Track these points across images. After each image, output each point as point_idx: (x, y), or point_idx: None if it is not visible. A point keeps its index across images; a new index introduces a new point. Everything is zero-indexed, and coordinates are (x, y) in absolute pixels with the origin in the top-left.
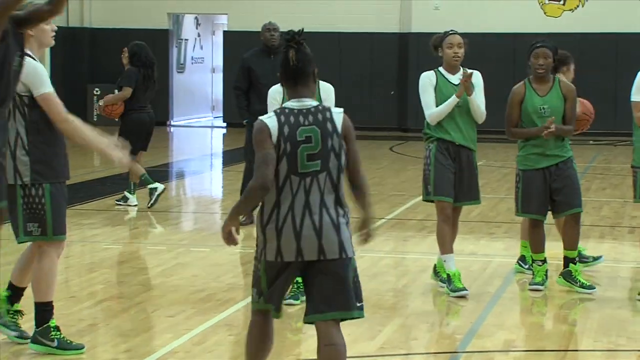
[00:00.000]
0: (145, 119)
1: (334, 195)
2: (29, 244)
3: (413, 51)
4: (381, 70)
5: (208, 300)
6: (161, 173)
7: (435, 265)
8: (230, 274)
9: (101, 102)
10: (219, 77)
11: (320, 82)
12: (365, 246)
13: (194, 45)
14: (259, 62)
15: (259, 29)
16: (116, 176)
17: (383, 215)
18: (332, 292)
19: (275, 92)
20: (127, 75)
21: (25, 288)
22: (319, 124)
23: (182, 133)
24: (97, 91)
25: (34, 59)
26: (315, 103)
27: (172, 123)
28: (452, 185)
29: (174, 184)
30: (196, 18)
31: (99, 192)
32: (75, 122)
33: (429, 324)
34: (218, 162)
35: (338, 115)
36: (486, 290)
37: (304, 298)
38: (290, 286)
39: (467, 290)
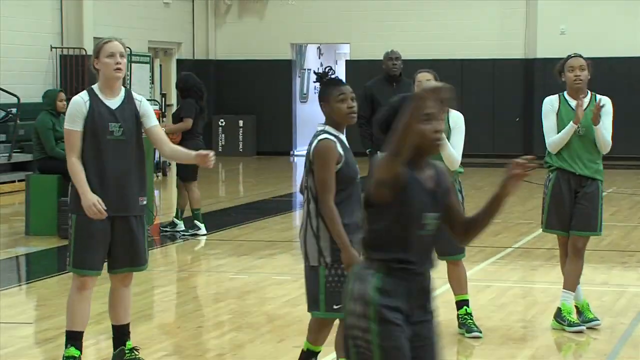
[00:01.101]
0: (201, 147)
1: None
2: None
3: (539, 77)
4: (505, 96)
5: (335, 330)
6: (285, 203)
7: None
8: None
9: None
10: None
11: (450, 111)
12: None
13: None
14: (381, 90)
15: (381, 58)
16: (242, 206)
17: (509, 244)
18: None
19: None
20: (187, 107)
21: (127, 324)
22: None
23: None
24: (222, 122)
25: (93, 95)
26: None
27: (296, 153)
28: (567, 217)
29: (297, 214)
30: (319, 48)
31: (224, 222)
32: (74, 165)
33: (560, 356)
34: None
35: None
36: (619, 322)
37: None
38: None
39: (598, 320)
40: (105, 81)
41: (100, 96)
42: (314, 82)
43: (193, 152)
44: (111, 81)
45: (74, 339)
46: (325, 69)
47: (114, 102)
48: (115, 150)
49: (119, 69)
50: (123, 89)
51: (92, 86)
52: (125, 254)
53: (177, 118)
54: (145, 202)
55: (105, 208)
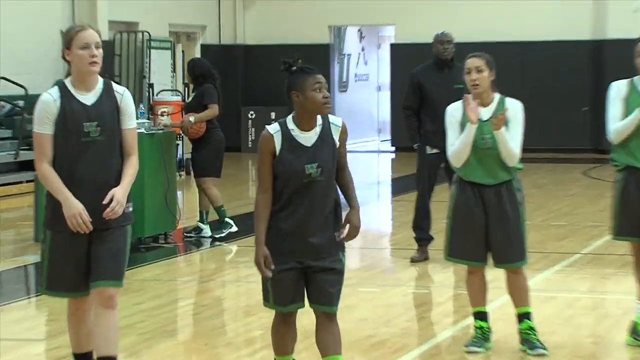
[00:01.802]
0: (223, 140)
1: None
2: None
3: (609, 60)
4: (572, 83)
5: (379, 347)
6: None
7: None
8: (404, 317)
9: (192, 119)
10: (385, 96)
11: (507, 98)
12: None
13: (358, 61)
14: (430, 77)
15: (430, 41)
16: None
17: (577, 250)
18: None
19: (454, 109)
20: (209, 92)
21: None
22: None
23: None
24: (252, 115)
25: (64, 91)
26: None
27: None
28: (638, 222)
29: None
30: (360, 30)
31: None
32: (47, 172)
33: None
34: (386, 191)
35: None
36: None
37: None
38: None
39: None
40: (78, 75)
41: (73, 91)
42: (282, 70)
43: (113, 190)
44: (85, 75)
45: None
46: (293, 57)
47: (89, 97)
48: (93, 154)
49: (94, 62)
50: (100, 80)
51: (64, 80)
52: (104, 267)
53: (194, 108)
54: (131, 209)
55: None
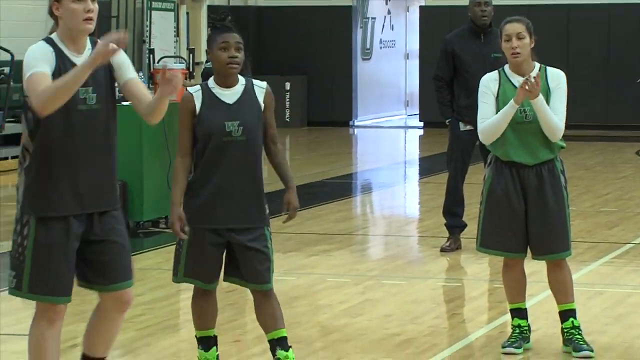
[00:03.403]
0: None
1: None
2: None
3: None
4: (623, 51)
5: (405, 346)
6: (343, 186)
7: None
8: (433, 314)
9: None
10: (414, 65)
11: (548, 68)
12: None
13: (383, 26)
14: (465, 44)
15: (466, 3)
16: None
17: (628, 239)
18: None
19: (490, 81)
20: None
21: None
22: None
23: (369, 135)
24: (287, 86)
25: (56, 49)
26: None
27: (356, 123)
28: None
29: (358, 200)
30: None
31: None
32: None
33: None
34: (413, 171)
35: None
36: None
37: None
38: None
39: None
40: (68, 33)
41: (66, 52)
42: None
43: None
44: (78, 34)
45: None
46: (222, 14)
47: (80, 59)
48: (90, 126)
49: (89, 18)
50: (87, 38)
51: (51, 36)
52: (114, 267)
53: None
54: (117, 191)
55: None
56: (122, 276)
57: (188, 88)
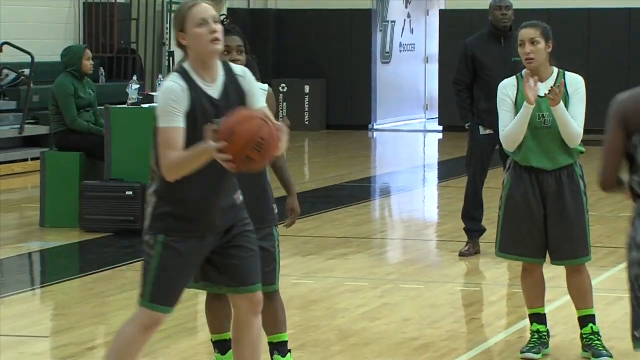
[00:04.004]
0: None
1: None
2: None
3: None
4: None
5: (423, 350)
6: (362, 190)
7: None
8: (451, 318)
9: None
10: (433, 68)
11: (566, 73)
12: None
13: (403, 29)
14: (485, 48)
15: (486, 7)
16: (308, 193)
17: None
18: None
19: (507, 86)
20: (252, 65)
21: None
22: None
23: (388, 139)
24: (283, 87)
25: (189, 81)
26: None
27: (375, 126)
28: None
29: (377, 203)
30: None
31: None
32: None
33: None
34: (432, 175)
35: None
36: None
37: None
38: None
39: None
40: (198, 59)
41: (200, 83)
42: None
43: None
44: (208, 57)
45: None
46: (220, 17)
47: (215, 89)
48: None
49: (215, 38)
50: (219, 63)
51: (184, 65)
52: (243, 270)
53: None
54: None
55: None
56: (252, 279)
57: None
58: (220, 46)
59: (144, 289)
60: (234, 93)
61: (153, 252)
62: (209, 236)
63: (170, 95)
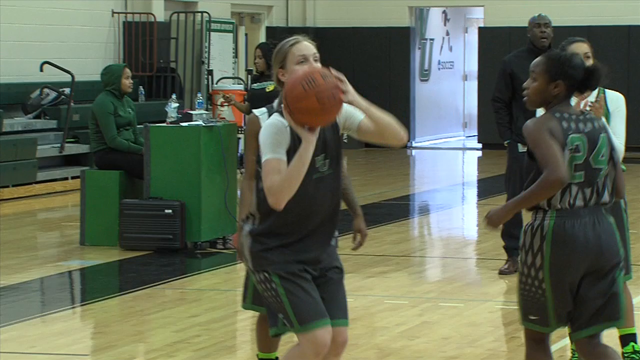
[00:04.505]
0: None
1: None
2: None
3: None
4: None
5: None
6: (401, 208)
7: None
8: (491, 337)
9: None
10: (472, 86)
11: (607, 91)
12: None
13: (442, 47)
14: (524, 66)
15: (525, 24)
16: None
17: None
18: None
19: None
20: None
21: None
22: None
23: (427, 157)
24: None
25: (280, 119)
26: None
27: (414, 144)
28: None
29: (416, 221)
30: (444, 12)
31: None
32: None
33: None
34: (472, 193)
35: None
36: None
37: None
38: None
39: None
40: None
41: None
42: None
43: None
44: None
45: None
46: (271, 44)
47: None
48: (322, 190)
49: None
50: None
51: (273, 105)
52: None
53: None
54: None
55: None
56: (339, 314)
57: (254, 110)
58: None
59: (288, 320)
60: (331, 129)
61: (273, 285)
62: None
63: (274, 131)
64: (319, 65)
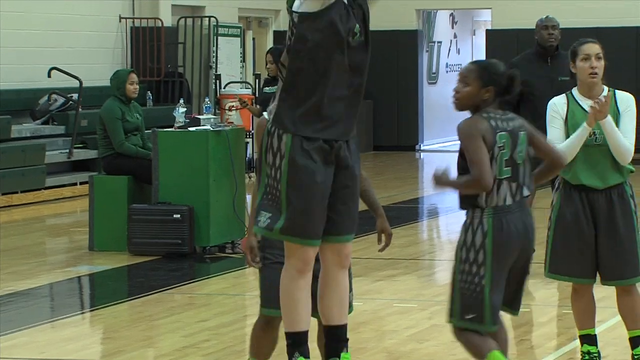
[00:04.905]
0: None
1: None
2: None
3: None
4: None
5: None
6: (409, 211)
7: None
8: None
9: None
10: None
11: (616, 91)
12: None
13: (450, 49)
14: (531, 68)
15: (532, 26)
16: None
17: None
18: None
19: (558, 104)
20: None
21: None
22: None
23: (435, 160)
24: None
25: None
26: None
27: (422, 147)
28: None
29: (424, 224)
30: (452, 15)
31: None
32: None
33: None
34: None
35: None
36: None
37: None
38: None
39: None
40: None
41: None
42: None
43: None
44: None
45: (299, 343)
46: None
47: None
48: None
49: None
50: None
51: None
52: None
53: None
54: None
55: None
56: (346, 229)
57: (264, 113)
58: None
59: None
60: None
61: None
62: None
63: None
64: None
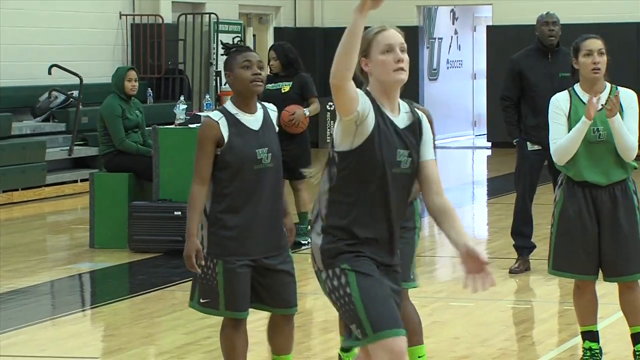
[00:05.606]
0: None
1: None
2: None
3: None
4: None
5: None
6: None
7: None
8: (502, 336)
9: (306, 112)
10: (481, 85)
11: (620, 88)
12: None
13: (450, 45)
14: (532, 64)
15: (533, 23)
16: None
17: None
18: None
19: (561, 100)
20: (312, 83)
21: None
22: None
23: (436, 156)
24: (330, 106)
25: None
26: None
27: None
28: None
29: (425, 221)
30: (452, 11)
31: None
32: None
33: None
34: (481, 191)
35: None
36: None
37: None
38: None
39: None
40: (379, 87)
41: (384, 109)
42: (221, 55)
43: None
44: (390, 87)
45: None
46: (234, 39)
47: (399, 120)
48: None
49: (400, 68)
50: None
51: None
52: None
53: (293, 99)
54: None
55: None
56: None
57: (209, 114)
58: (404, 76)
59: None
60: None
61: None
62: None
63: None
64: (405, 56)
